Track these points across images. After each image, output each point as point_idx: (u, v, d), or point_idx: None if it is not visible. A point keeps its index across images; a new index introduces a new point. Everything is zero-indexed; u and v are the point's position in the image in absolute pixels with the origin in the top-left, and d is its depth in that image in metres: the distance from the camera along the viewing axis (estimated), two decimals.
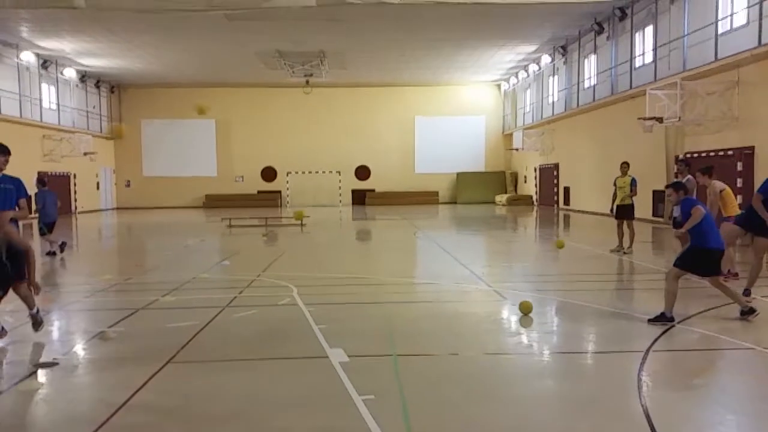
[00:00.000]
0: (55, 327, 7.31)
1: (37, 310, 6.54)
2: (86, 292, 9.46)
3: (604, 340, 6.46)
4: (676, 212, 10.85)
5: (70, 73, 32.58)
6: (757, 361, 5.69)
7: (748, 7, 16.20)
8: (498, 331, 6.95)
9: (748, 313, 6.90)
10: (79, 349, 6.31)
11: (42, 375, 5.41)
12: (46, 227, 13.99)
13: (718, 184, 9.69)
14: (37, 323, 6.52)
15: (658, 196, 21.23)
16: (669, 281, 6.92)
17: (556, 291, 8.84)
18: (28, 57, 28.78)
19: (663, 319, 6.79)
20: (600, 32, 25.39)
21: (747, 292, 7.94)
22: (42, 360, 5.89)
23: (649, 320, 6.85)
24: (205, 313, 7.65)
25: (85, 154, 32.52)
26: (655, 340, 6.16)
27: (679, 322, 6.86)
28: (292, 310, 7.78)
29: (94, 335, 6.73)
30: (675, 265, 7.04)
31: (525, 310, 7.25)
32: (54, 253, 14.13)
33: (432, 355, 5.84)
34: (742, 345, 6.04)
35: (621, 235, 13.62)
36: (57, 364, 5.71)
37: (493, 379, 5.24)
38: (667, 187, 7.58)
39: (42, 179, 15.92)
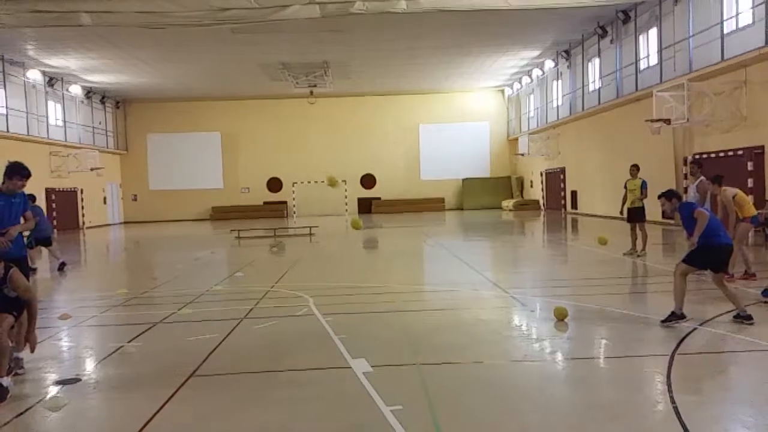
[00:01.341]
0: (74, 343, 7.31)
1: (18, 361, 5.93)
2: (102, 306, 9.46)
3: (626, 344, 6.41)
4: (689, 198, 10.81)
5: (75, 89, 32.79)
6: None
7: (754, 6, 16.18)
8: (520, 337, 6.90)
9: (745, 318, 6.74)
10: (101, 365, 6.29)
11: (65, 392, 5.38)
12: (42, 242, 13.95)
13: (730, 191, 9.68)
14: (11, 368, 5.55)
15: None
16: (677, 277, 6.88)
17: (573, 296, 8.79)
18: (34, 75, 28.99)
19: (674, 317, 6.76)
20: (603, 36, 25.40)
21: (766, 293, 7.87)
22: (64, 377, 5.87)
23: (662, 321, 6.83)
24: (223, 325, 7.64)
25: (92, 169, 32.66)
26: (680, 343, 6.11)
27: (700, 324, 6.82)
28: (310, 321, 7.75)
29: (114, 350, 6.72)
30: (683, 261, 6.99)
31: (560, 315, 7.20)
32: (64, 264, 14.30)
33: (456, 363, 5.80)
34: (765, 346, 5.98)
35: (634, 238, 13.56)
36: (79, 380, 5.69)
37: (520, 387, 5.19)
38: (659, 197, 7.48)
39: (32, 195, 15.95)
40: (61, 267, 14.22)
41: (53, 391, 5.42)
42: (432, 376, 5.39)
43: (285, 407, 4.82)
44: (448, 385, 5.19)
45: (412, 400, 4.77)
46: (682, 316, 6.74)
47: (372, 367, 5.58)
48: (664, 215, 7.36)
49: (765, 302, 7.80)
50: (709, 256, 6.81)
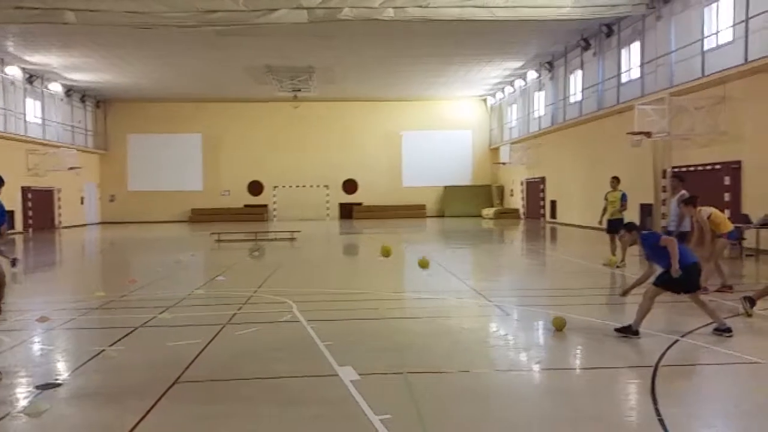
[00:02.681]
0: (53, 346, 7.17)
1: None
2: (81, 309, 9.30)
3: (610, 355, 6.47)
4: (672, 226, 11.01)
5: (55, 87, 32.34)
6: (764, 374, 5.72)
7: (734, 25, 16.54)
8: (505, 346, 6.93)
9: (724, 331, 6.84)
10: (81, 369, 6.17)
11: (45, 397, 5.27)
12: None
13: (705, 211, 9.85)
14: None
15: (646, 210, 21.47)
16: (645, 299, 6.95)
17: (555, 306, 8.85)
18: (13, 71, 28.54)
19: (629, 331, 6.86)
20: (586, 48, 25.75)
21: (752, 302, 7.99)
22: (44, 382, 5.75)
23: (616, 329, 6.94)
24: (205, 330, 7.55)
25: (70, 168, 32.18)
26: (663, 355, 6.19)
27: (682, 336, 6.91)
28: (295, 327, 7.70)
29: (95, 355, 6.60)
30: (654, 283, 7.05)
31: (559, 326, 7.24)
32: (16, 260, 14.17)
33: (443, 372, 5.80)
34: (745, 359, 6.08)
35: (614, 249, 13.75)
36: (60, 385, 5.58)
37: (507, 397, 5.21)
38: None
39: None
40: (14, 262, 13.90)
41: (33, 396, 5.30)
42: (419, 384, 5.39)
43: (271, 416, 4.78)
44: (436, 394, 5.18)
45: (401, 409, 4.75)
46: (636, 333, 6.85)
47: (359, 375, 5.56)
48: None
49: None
50: (681, 276, 6.87)
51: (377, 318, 8.41)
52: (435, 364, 6.07)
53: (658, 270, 7.09)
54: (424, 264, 9.90)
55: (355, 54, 27.76)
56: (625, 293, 7.75)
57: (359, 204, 40.58)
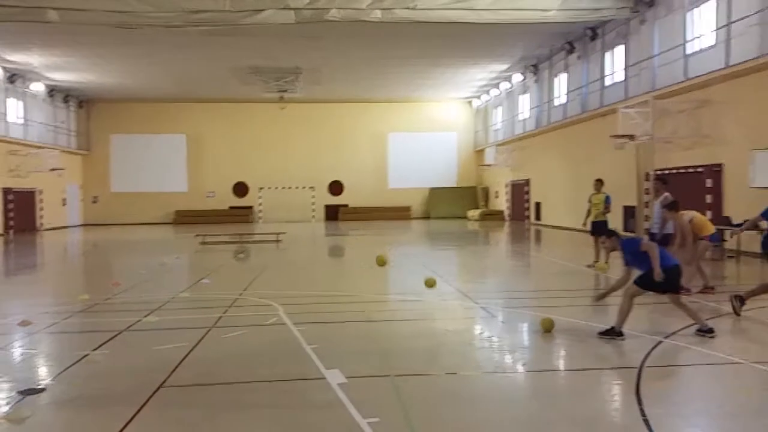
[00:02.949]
0: (37, 351, 7.08)
1: None
2: (64, 313, 9.19)
3: (595, 356, 6.52)
4: (655, 228, 11.13)
5: (37, 87, 31.93)
6: (747, 374, 5.80)
7: (716, 29, 16.75)
8: (491, 348, 6.96)
9: (706, 332, 6.94)
10: (66, 374, 6.09)
11: (28, 403, 5.19)
12: None
13: (686, 215, 10.00)
14: None
15: (629, 212, 21.68)
16: (625, 299, 7.03)
17: (539, 307, 8.91)
18: None
19: (612, 333, 6.93)
20: (571, 51, 25.94)
21: (741, 300, 8.09)
22: (27, 387, 5.67)
23: (599, 333, 7.01)
24: (191, 334, 7.50)
25: (52, 169, 31.79)
26: (647, 356, 6.25)
27: (666, 338, 6.99)
28: (281, 330, 7.67)
29: (79, 359, 6.52)
30: (635, 283, 7.13)
31: (546, 327, 7.28)
32: None
33: (430, 374, 5.81)
34: (728, 359, 6.16)
35: (598, 251, 13.85)
36: (43, 390, 5.51)
37: (494, 399, 5.24)
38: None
39: None
40: None
41: (15, 401, 5.22)
42: (406, 387, 5.39)
43: (259, 420, 4.76)
44: (423, 397, 5.19)
45: (389, 412, 4.76)
46: (620, 334, 6.91)
47: (346, 377, 5.55)
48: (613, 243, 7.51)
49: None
50: (662, 278, 6.94)
51: (364, 321, 8.40)
52: (422, 366, 6.08)
53: (635, 275, 7.16)
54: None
55: (341, 55, 27.74)
56: (598, 299, 7.79)
57: (345, 205, 40.54)
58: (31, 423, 4.76)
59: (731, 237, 8.49)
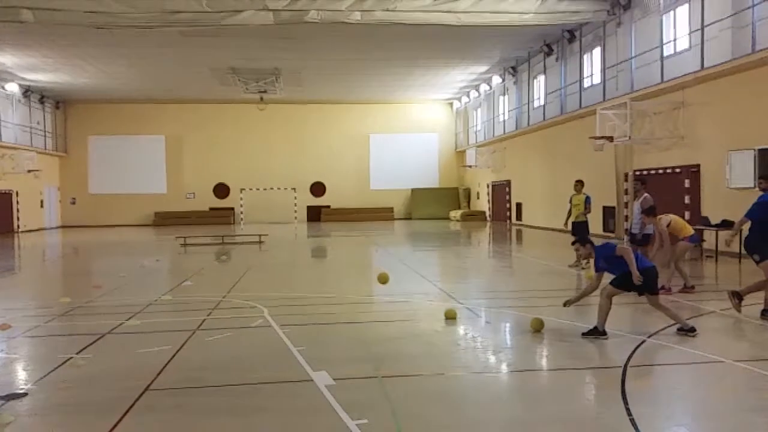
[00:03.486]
0: (17, 355, 6.96)
1: None
2: (45, 316, 9.06)
3: (580, 356, 6.60)
4: (635, 228, 11.30)
5: (12, 87, 31.38)
6: (728, 372, 5.91)
7: (690, 32, 17.04)
8: (477, 348, 7.00)
9: (688, 331, 7.06)
10: (48, 378, 6.00)
11: (10, 408, 5.11)
12: None
13: (664, 220, 10.18)
14: None
15: (608, 213, 21.95)
16: (603, 298, 7.15)
17: (525, 307, 8.99)
18: None
19: (595, 332, 7.04)
20: (549, 54, 26.20)
21: (739, 297, 8.20)
22: (9, 392, 5.58)
23: (583, 334, 7.11)
24: (175, 337, 7.44)
25: (29, 171, 31.29)
26: (631, 356, 6.34)
27: (648, 337, 7.09)
28: (267, 332, 7.65)
29: (62, 363, 6.44)
30: (611, 283, 7.24)
31: (536, 327, 7.34)
32: None
33: (417, 375, 5.83)
34: (710, 358, 6.28)
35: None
36: (25, 395, 5.43)
37: (482, 399, 5.27)
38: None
39: None
40: None
41: None
42: (394, 388, 5.41)
43: (246, 423, 4.74)
44: (412, 398, 5.21)
45: (377, 413, 4.77)
46: (603, 333, 7.02)
47: (334, 379, 5.55)
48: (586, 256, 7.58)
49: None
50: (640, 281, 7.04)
51: (350, 322, 8.41)
52: (409, 367, 6.10)
53: (607, 279, 7.27)
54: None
55: (322, 56, 27.68)
56: (567, 304, 7.85)
57: (327, 207, 40.47)
58: (12, 429, 4.69)
59: (731, 238, 8.54)
